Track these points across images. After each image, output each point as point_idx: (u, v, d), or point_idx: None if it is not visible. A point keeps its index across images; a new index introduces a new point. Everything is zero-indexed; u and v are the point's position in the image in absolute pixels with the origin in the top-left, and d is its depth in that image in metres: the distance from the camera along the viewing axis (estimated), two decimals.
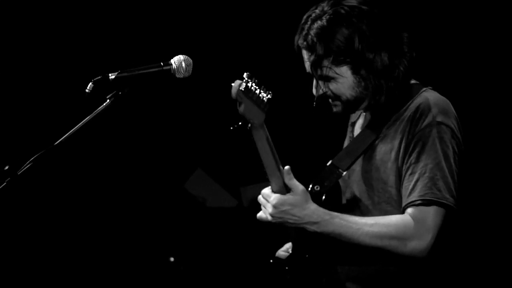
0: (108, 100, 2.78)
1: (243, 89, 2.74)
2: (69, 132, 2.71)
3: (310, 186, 2.98)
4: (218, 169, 6.11)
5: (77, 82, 3.08)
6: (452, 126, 2.88)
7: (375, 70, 2.91)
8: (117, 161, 5.94)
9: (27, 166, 2.65)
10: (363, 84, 2.94)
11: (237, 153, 6.00)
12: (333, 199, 2.98)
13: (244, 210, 6.06)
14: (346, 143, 3.20)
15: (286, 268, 3.01)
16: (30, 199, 5.51)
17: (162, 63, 2.85)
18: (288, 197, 2.89)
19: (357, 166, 3.02)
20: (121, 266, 5.80)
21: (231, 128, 2.87)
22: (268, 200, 2.93)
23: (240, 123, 2.84)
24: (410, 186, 2.85)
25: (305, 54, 2.98)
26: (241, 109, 2.79)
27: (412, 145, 2.87)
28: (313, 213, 2.87)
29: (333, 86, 2.95)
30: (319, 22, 2.91)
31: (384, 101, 2.96)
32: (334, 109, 3.03)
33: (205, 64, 4.01)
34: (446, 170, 2.84)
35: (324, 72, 2.93)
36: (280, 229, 3.00)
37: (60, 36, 5.74)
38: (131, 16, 5.82)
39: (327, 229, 2.86)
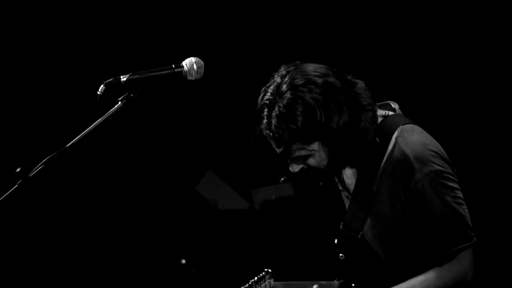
0: (119, 103, 2.77)
1: None
2: (81, 134, 2.71)
3: (336, 256, 3.07)
4: (230, 171, 6.11)
5: (89, 84, 3.09)
6: (438, 168, 2.92)
7: (344, 135, 2.90)
8: (129, 163, 5.95)
9: (38, 168, 2.64)
10: (337, 151, 2.94)
11: (248, 155, 6.00)
12: (359, 263, 3.05)
13: (255, 212, 6.06)
14: (343, 197, 3.19)
15: None
16: (42, 200, 5.53)
17: (173, 66, 2.84)
18: None
19: (366, 226, 3.05)
20: (133, 268, 5.81)
21: None
22: None
23: None
24: (433, 240, 2.93)
25: (272, 142, 2.97)
26: None
27: (412, 205, 2.93)
28: None
29: (309, 161, 2.97)
30: (276, 108, 2.88)
31: (363, 157, 2.98)
32: (317, 176, 3.05)
33: (216, 66, 4.00)
34: (452, 216, 2.90)
35: (297, 154, 2.94)
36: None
37: (73, 38, 5.75)
38: (143, 19, 5.83)
39: None
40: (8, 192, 2.63)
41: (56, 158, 2.66)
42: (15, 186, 2.62)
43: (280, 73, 2.95)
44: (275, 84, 2.92)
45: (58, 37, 5.74)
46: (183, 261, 5.78)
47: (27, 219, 5.54)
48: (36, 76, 5.74)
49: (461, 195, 2.94)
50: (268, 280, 3.04)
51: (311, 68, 2.93)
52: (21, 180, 2.63)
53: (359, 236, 3.03)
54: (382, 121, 3.03)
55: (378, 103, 3.07)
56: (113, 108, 2.76)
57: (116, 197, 5.90)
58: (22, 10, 5.67)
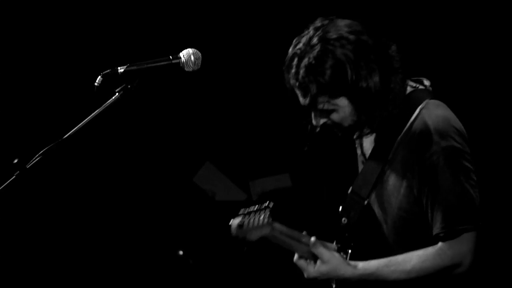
0: (117, 94, 2.77)
1: (240, 228, 3.04)
2: (78, 126, 2.71)
3: (338, 220, 3.06)
4: (227, 162, 6.10)
5: (86, 75, 3.08)
6: (456, 145, 2.89)
7: (371, 95, 2.90)
8: (126, 154, 5.94)
9: (36, 159, 2.65)
10: (361, 110, 2.94)
11: (246, 146, 6.00)
12: (362, 229, 3.05)
13: (253, 203, 6.05)
14: (359, 162, 3.20)
15: None
16: (40, 192, 5.52)
17: (171, 57, 2.84)
18: (320, 269, 2.99)
19: (373, 193, 3.05)
20: (130, 260, 5.81)
21: (244, 249, 3.16)
22: (304, 272, 3.05)
23: (245, 249, 3.13)
24: (433, 219, 2.89)
25: (298, 92, 2.96)
26: (248, 239, 3.06)
27: (423, 177, 2.90)
28: (351, 276, 2.98)
29: (333, 116, 2.96)
30: (306, 60, 2.89)
31: (385, 122, 2.97)
32: (339, 134, 3.03)
33: (214, 57, 4.00)
34: (462, 195, 2.86)
35: (322, 107, 2.93)
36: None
37: (70, 29, 5.74)
38: (140, 9, 5.81)
39: (369, 281, 2.97)
40: (6, 184, 2.63)
41: (54, 149, 2.66)
42: (13, 178, 2.63)
43: (314, 25, 2.95)
44: (308, 35, 2.92)
45: (55, 28, 5.72)
46: (181, 253, 5.79)
47: (24, 210, 5.53)
48: (34, 67, 5.73)
49: (475, 178, 2.90)
50: (269, 214, 3.01)
51: (346, 23, 2.93)
52: (18, 171, 2.63)
53: (365, 203, 3.03)
54: (411, 91, 3.02)
55: (412, 78, 3.06)
56: (111, 99, 2.76)
57: (113, 189, 5.89)
58: (19, 2, 5.66)
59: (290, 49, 2.96)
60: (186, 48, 2.87)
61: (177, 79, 5.00)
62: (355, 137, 3.15)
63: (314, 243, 2.98)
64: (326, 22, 2.93)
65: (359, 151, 3.18)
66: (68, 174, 5.70)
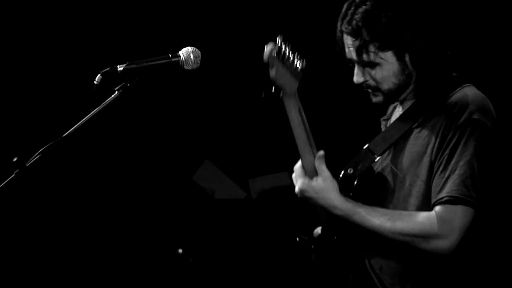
0: (116, 92, 2.78)
1: (275, 53, 2.69)
2: (78, 124, 2.72)
3: (344, 169, 2.96)
4: (227, 160, 6.10)
5: (86, 73, 3.08)
6: (489, 124, 2.84)
7: (420, 58, 2.87)
8: (126, 152, 5.94)
9: (35, 157, 2.65)
10: (406, 72, 2.90)
11: (245, 145, 6.00)
12: (365, 184, 2.95)
13: (252, 202, 6.06)
14: (382, 127, 3.16)
15: (312, 247, 2.98)
16: (39, 190, 5.52)
17: (170, 55, 2.84)
18: (313, 183, 2.88)
19: (390, 153, 2.99)
20: (129, 258, 5.81)
21: (263, 95, 2.80)
22: (297, 180, 2.92)
23: (272, 90, 2.77)
24: (441, 183, 2.82)
25: (348, 39, 2.91)
26: (273, 73, 2.73)
27: (446, 141, 2.83)
28: (337, 206, 2.87)
29: (376, 72, 2.91)
30: (363, 7, 2.85)
31: (425, 92, 2.93)
32: (374, 99, 2.98)
33: (213, 56, 4.00)
34: (477, 169, 2.80)
35: (369, 57, 2.88)
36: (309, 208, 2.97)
37: (69, 27, 5.74)
38: (140, 8, 5.81)
39: (351, 220, 2.86)
40: (5, 182, 2.63)
41: (53, 147, 2.67)
42: (12, 176, 2.63)
43: None
44: None
45: (54, 25, 5.72)
46: (180, 251, 5.79)
47: (23, 208, 5.53)
48: (34, 66, 5.73)
49: (493, 172, 2.84)
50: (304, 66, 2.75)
51: None
52: (18, 170, 2.63)
53: (376, 159, 2.96)
54: (455, 76, 2.97)
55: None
56: (110, 97, 2.77)
57: (113, 187, 5.89)
58: (19, 1, 5.66)
59: (346, 3, 2.92)
60: (185, 46, 2.87)
61: (176, 77, 5.00)
62: (383, 118, 3.10)
63: (321, 156, 2.88)
64: None
65: (385, 117, 3.14)
66: (67, 173, 5.71)
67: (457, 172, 2.79)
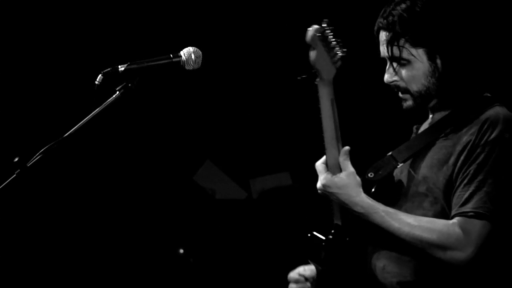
0: (117, 92, 2.78)
1: (319, 34, 2.63)
2: (79, 124, 2.71)
3: (367, 173, 2.93)
4: (228, 161, 6.11)
5: (87, 74, 3.09)
6: None
7: (452, 62, 2.85)
8: (127, 152, 5.95)
9: (37, 158, 2.65)
10: (436, 74, 2.87)
11: (246, 145, 6.01)
12: (383, 190, 2.92)
13: (253, 202, 6.07)
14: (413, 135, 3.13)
15: (323, 244, 2.95)
16: (40, 190, 5.53)
17: (171, 55, 2.84)
18: (336, 179, 2.85)
19: (411, 160, 2.96)
20: (130, 258, 5.82)
21: (298, 78, 2.73)
22: (319, 175, 2.89)
23: (309, 74, 2.70)
24: (465, 196, 2.78)
25: (383, 35, 2.90)
26: (313, 56, 2.67)
27: (474, 155, 2.80)
28: (359, 202, 2.84)
29: (406, 71, 2.88)
30: (403, 4, 2.84)
31: (457, 104, 2.90)
32: (404, 105, 2.95)
33: (214, 56, 4.00)
34: (504, 189, 2.78)
35: (400, 52, 2.86)
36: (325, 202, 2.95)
37: (70, 27, 5.74)
38: (141, 8, 5.82)
39: (370, 219, 2.84)
40: (7, 182, 2.64)
41: (54, 147, 2.67)
42: (13, 176, 2.63)
43: None
44: None
45: (55, 25, 5.73)
46: (181, 251, 5.79)
47: (24, 209, 5.54)
48: (35, 66, 5.74)
49: None
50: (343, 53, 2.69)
51: None
52: (19, 170, 2.63)
53: (398, 165, 2.93)
54: (488, 96, 2.92)
55: None
56: (111, 97, 2.77)
57: (114, 187, 5.90)
58: (19, 1, 5.66)
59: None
60: (186, 46, 2.87)
61: (177, 77, 5.00)
62: (416, 126, 3.06)
63: (346, 152, 2.85)
64: None
65: (416, 127, 3.11)
66: (68, 173, 5.71)
67: (485, 189, 2.76)
